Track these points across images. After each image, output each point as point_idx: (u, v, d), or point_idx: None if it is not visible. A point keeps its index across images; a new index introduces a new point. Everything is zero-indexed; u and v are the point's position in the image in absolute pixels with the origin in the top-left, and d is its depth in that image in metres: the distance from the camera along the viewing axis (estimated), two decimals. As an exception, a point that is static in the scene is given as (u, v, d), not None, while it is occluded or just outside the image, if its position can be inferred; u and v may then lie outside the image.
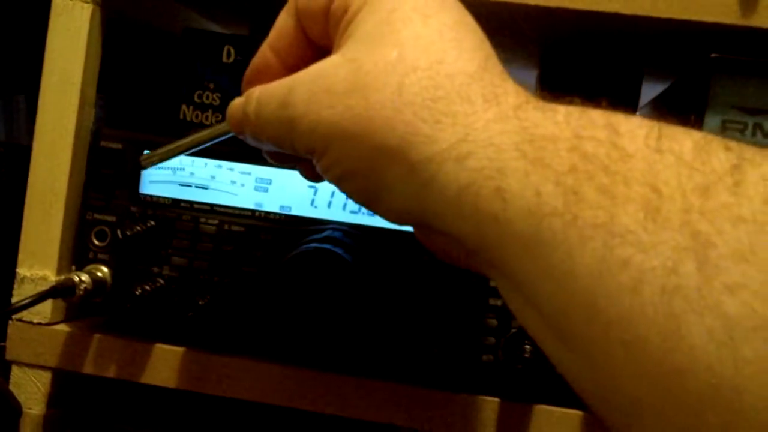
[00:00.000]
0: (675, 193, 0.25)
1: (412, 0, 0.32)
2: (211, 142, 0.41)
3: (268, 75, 0.37)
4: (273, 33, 0.38)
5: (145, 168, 0.46)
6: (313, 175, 0.40)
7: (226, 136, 0.41)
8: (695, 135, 0.27)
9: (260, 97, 0.35)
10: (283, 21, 0.38)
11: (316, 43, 0.37)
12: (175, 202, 0.50)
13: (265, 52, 0.38)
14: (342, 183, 0.33)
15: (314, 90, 0.32)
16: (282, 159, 0.41)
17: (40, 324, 0.51)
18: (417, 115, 0.30)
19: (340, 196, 0.49)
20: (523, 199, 0.27)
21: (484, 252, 0.30)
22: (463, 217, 0.29)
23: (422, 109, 0.30)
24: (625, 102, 0.59)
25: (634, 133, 0.27)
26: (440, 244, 0.35)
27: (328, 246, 0.45)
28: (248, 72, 0.39)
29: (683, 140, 0.26)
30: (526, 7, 0.33)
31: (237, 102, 0.38)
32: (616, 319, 0.25)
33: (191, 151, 0.43)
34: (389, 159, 0.30)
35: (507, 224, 0.28)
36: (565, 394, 0.39)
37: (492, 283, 0.48)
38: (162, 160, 0.44)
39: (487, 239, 0.29)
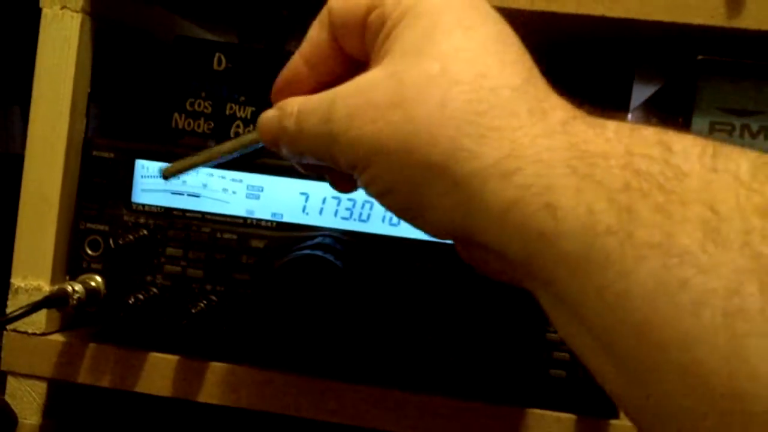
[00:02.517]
0: (734, 214, 0.24)
1: (453, 12, 0.32)
2: (236, 155, 0.40)
3: (299, 86, 0.36)
4: (305, 44, 0.37)
5: (166, 179, 0.45)
6: (343, 186, 0.39)
7: (252, 149, 0.39)
8: (750, 154, 0.26)
9: (300, 111, 0.35)
10: (316, 33, 0.36)
11: (351, 56, 0.36)
12: (168, 211, 0.50)
13: (296, 63, 0.37)
14: (384, 198, 0.33)
15: (355, 105, 0.32)
16: (313, 169, 0.40)
17: (34, 334, 0.52)
18: (460, 130, 0.29)
19: (332, 203, 0.49)
20: (576, 217, 0.27)
21: (531, 268, 0.29)
22: (510, 233, 0.28)
23: (466, 124, 0.29)
24: (616, 104, 0.59)
25: (687, 151, 0.26)
26: (482, 258, 0.34)
27: (319, 252, 0.45)
28: (278, 82, 0.38)
29: (739, 159, 0.26)
30: (513, 11, 0.33)
31: (270, 114, 0.37)
32: (673, 341, 0.24)
33: (215, 164, 0.41)
34: (432, 174, 0.30)
35: (557, 241, 0.27)
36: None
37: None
38: (182, 171, 0.43)
39: (534, 256, 0.28)
